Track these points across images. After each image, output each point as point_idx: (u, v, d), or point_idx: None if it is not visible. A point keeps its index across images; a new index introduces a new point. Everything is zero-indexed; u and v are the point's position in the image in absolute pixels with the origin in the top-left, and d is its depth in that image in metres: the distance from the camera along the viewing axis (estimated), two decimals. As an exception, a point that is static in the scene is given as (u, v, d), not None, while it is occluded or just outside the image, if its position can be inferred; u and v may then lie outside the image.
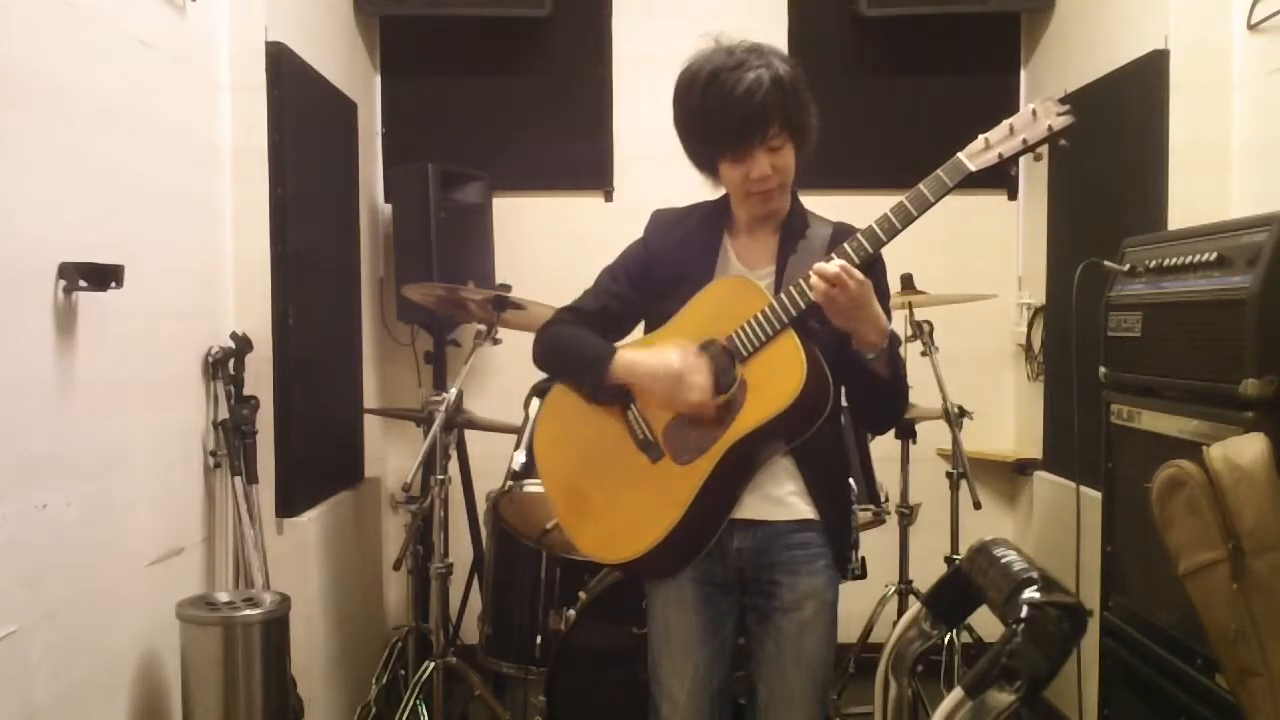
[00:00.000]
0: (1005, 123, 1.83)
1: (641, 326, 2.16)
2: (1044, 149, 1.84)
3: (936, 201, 1.83)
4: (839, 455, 2.16)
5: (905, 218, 1.84)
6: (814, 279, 1.82)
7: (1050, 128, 1.80)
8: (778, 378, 1.88)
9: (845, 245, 1.87)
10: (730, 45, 1.93)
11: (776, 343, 1.90)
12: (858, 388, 2.00)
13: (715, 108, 1.90)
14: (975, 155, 1.83)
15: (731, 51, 1.92)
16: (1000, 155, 1.81)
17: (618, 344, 2.09)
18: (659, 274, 2.08)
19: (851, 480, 2.78)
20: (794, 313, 1.88)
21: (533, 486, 2.86)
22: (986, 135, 1.83)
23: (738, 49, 1.92)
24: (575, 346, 2.09)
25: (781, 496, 2.00)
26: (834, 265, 1.81)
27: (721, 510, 1.98)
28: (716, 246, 2.07)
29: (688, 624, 2.03)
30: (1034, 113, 1.82)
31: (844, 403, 2.75)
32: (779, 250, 2.04)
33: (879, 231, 1.85)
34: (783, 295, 1.90)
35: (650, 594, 2.10)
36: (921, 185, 1.83)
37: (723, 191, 2.08)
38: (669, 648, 2.05)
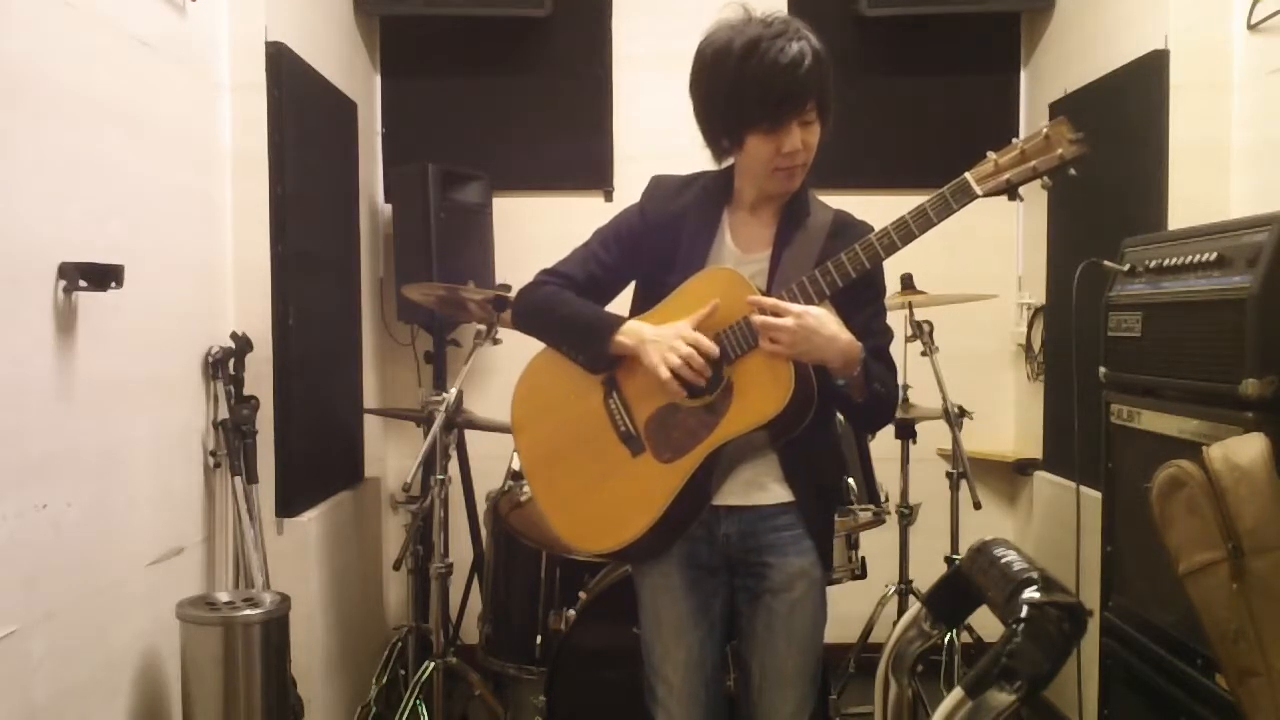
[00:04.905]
0: (1016, 144, 1.78)
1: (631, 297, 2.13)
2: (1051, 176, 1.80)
3: (939, 222, 1.80)
4: (824, 450, 2.13)
5: (906, 236, 1.81)
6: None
7: (1062, 157, 1.76)
8: (764, 387, 1.87)
9: (804, 280, 1.85)
10: (763, 16, 1.89)
11: (765, 350, 1.88)
12: (838, 403, 2.00)
13: (756, 77, 1.84)
14: (984, 179, 1.79)
15: (768, 22, 1.87)
16: (1009, 182, 1.78)
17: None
18: (652, 246, 2.04)
19: (851, 480, 2.80)
20: None
21: (533, 486, 2.86)
22: (996, 157, 1.79)
23: (772, 20, 1.88)
24: (579, 310, 2.04)
25: (764, 482, 2.00)
26: (769, 302, 1.81)
27: (700, 502, 2.00)
28: (715, 224, 2.03)
29: (677, 609, 2.04)
30: (1046, 137, 1.76)
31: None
32: (776, 238, 2.01)
33: (878, 247, 1.83)
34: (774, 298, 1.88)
35: (638, 581, 2.11)
36: (926, 205, 1.79)
37: (726, 164, 2.04)
38: (661, 633, 2.06)
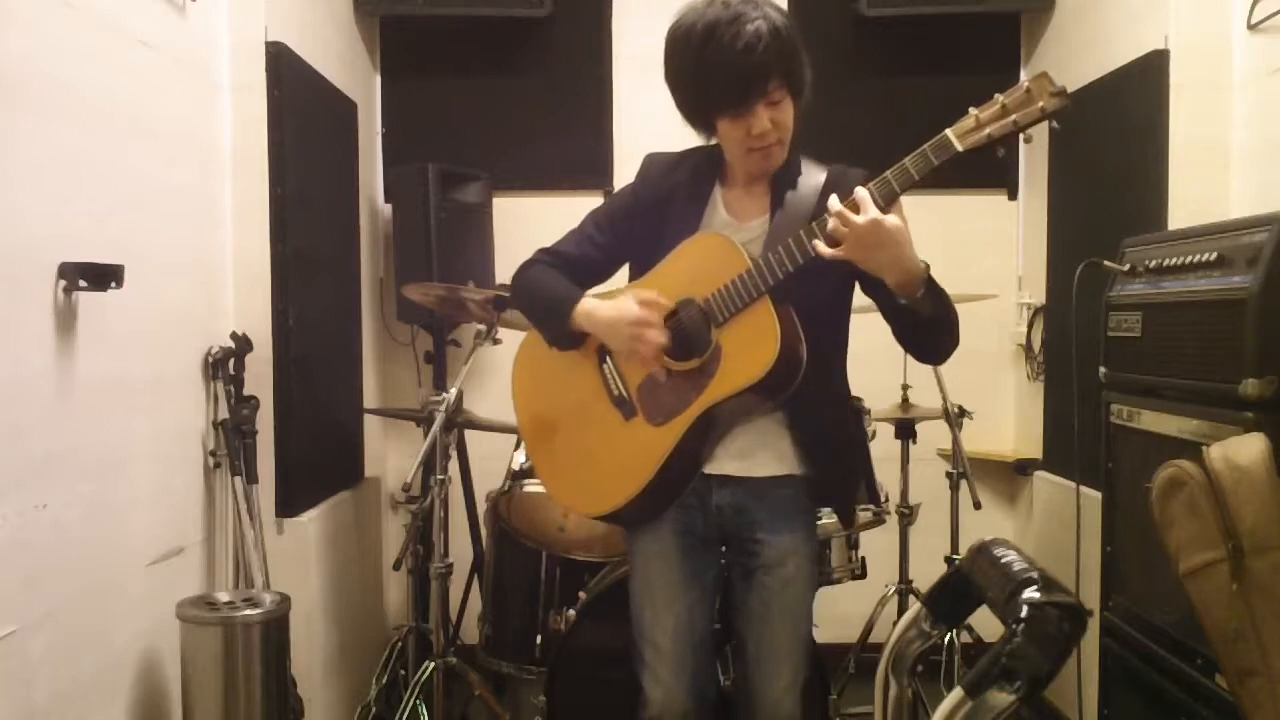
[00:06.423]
0: (998, 98, 1.76)
1: (626, 271, 2.16)
2: (1034, 130, 1.77)
3: (920, 178, 1.78)
4: (837, 415, 2.13)
5: (889, 195, 1.79)
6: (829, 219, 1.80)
7: (1043, 109, 1.73)
8: (751, 349, 1.89)
9: (789, 241, 1.86)
10: None
11: (752, 311, 1.90)
12: (898, 327, 1.95)
13: (714, 64, 1.86)
14: (965, 134, 1.76)
15: (727, 4, 1.88)
16: (990, 136, 1.75)
17: (594, 290, 2.10)
18: (645, 223, 2.06)
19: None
20: (770, 281, 1.87)
21: (533, 486, 2.86)
22: (977, 112, 1.77)
23: (733, 1, 1.88)
24: (545, 290, 2.10)
25: (755, 452, 2.02)
26: (836, 205, 1.79)
27: (694, 465, 2.02)
28: (706, 197, 2.05)
29: (669, 576, 2.07)
30: (1028, 91, 1.74)
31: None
32: (771, 205, 2.01)
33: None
34: (760, 261, 1.88)
35: (631, 547, 2.14)
36: (907, 161, 1.79)
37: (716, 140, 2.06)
38: (651, 599, 2.08)
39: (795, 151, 2.03)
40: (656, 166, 2.12)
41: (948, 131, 1.78)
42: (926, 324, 1.89)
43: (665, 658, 2.05)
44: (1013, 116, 1.75)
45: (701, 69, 1.88)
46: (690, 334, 1.98)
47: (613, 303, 2.01)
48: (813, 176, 2.01)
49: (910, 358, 2.21)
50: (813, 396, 1.96)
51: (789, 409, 2.00)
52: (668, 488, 2.02)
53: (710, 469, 2.03)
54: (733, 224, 2.03)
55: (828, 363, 2.01)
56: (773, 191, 2.02)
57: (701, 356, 1.95)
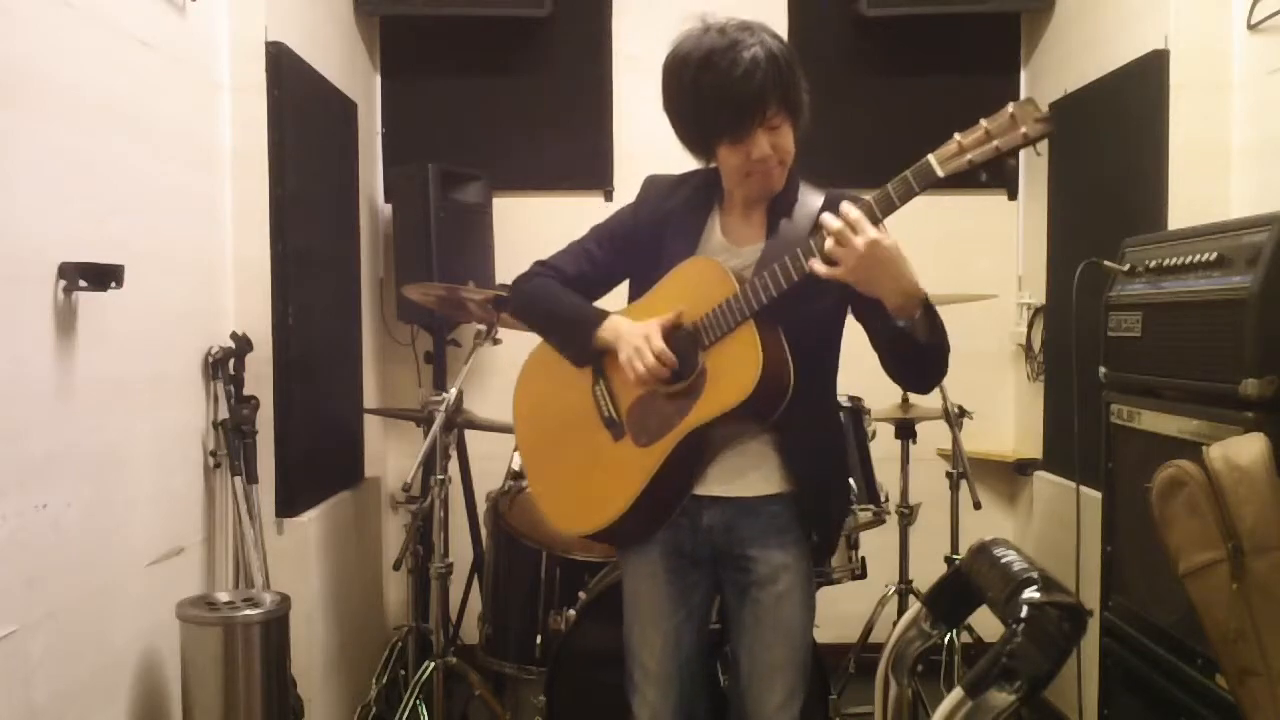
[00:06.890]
0: (981, 123, 1.75)
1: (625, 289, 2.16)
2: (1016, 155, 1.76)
3: (902, 205, 1.78)
4: (827, 438, 2.14)
5: (871, 218, 1.78)
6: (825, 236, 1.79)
7: (1025, 135, 1.72)
8: (734, 372, 1.89)
9: (775, 267, 1.85)
10: (720, 24, 1.89)
11: (736, 335, 1.90)
12: (889, 354, 1.95)
13: (712, 92, 1.85)
14: (946, 160, 1.75)
15: (723, 31, 1.88)
16: (971, 162, 1.74)
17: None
18: (643, 244, 2.07)
19: (851, 480, 2.80)
20: (755, 305, 1.87)
21: (533, 486, 2.86)
22: (960, 138, 1.76)
23: (728, 27, 1.88)
24: (565, 305, 2.10)
25: (744, 471, 2.01)
26: (834, 224, 1.77)
27: (684, 486, 2.02)
28: (703, 220, 2.06)
29: (657, 594, 2.08)
30: (1012, 116, 1.73)
31: (843, 402, 2.79)
32: (767, 232, 2.01)
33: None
34: (747, 286, 1.88)
35: (623, 565, 2.16)
36: (889, 187, 1.78)
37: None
38: (639, 617, 2.10)
39: (794, 175, 2.02)
40: (656, 188, 2.12)
41: (930, 156, 1.77)
42: (920, 350, 1.88)
43: (652, 679, 2.07)
44: (995, 142, 1.74)
45: (700, 97, 1.88)
46: (680, 356, 1.99)
47: (634, 323, 2.01)
48: (809, 202, 2.00)
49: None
50: (802, 418, 1.95)
51: (778, 430, 1.99)
52: (656, 508, 2.02)
53: (699, 490, 2.02)
54: (729, 248, 2.03)
55: (820, 384, 2.01)
56: (769, 217, 2.02)
57: (687, 380, 1.96)
